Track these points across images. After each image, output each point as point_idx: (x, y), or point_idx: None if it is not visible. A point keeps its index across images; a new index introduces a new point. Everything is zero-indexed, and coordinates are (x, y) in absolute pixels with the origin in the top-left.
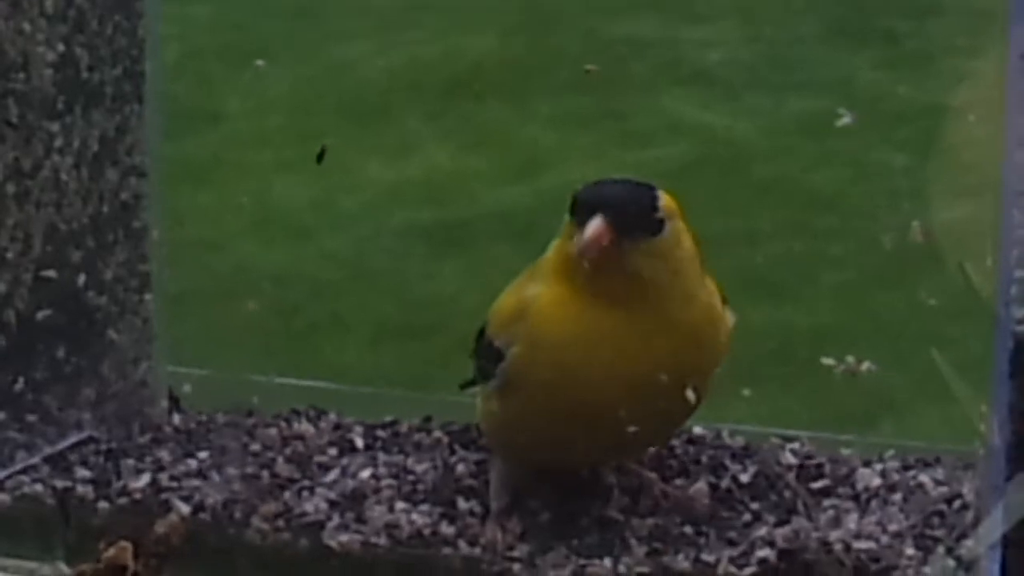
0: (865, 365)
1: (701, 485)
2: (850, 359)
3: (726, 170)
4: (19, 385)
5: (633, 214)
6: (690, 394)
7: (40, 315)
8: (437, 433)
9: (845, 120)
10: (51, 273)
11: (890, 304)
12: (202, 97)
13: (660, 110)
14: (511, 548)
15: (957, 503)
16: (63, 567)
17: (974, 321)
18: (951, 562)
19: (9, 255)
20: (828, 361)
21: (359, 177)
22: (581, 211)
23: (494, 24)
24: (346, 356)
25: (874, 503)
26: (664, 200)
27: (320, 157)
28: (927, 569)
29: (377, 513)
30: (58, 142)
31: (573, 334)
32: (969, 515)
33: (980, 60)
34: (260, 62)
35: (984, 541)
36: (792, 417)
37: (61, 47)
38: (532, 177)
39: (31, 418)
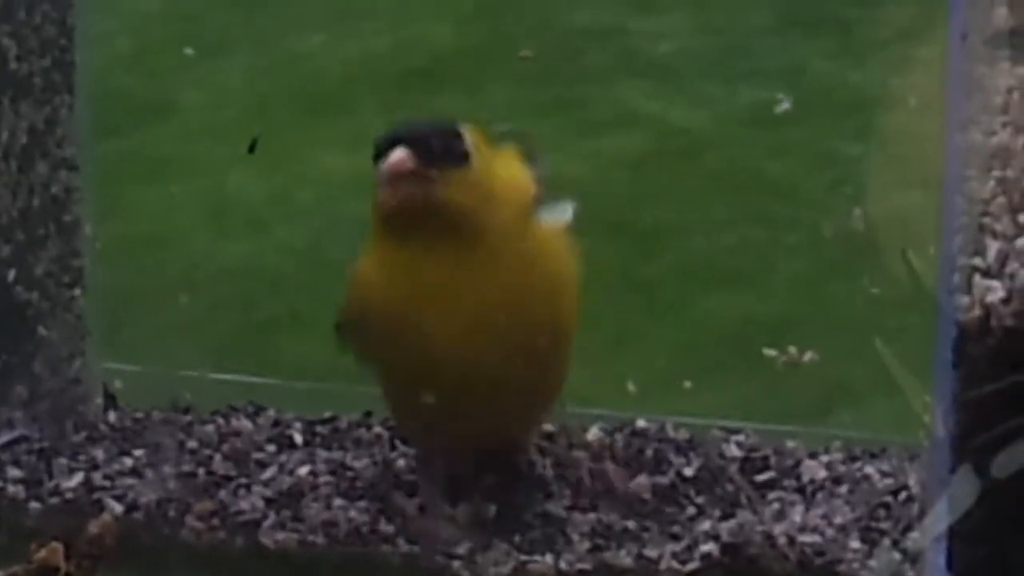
0: (808, 356)
1: (642, 479)
2: (792, 349)
3: (680, 160)
4: None
5: (437, 144)
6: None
7: None
8: (377, 428)
9: (784, 107)
10: None
11: (845, 293)
12: (154, 90)
13: (615, 100)
14: (450, 542)
15: (903, 495)
16: None
17: (921, 311)
18: (896, 555)
19: None
20: (770, 352)
21: (315, 169)
22: (383, 150)
23: (449, 14)
24: (305, 350)
25: (819, 495)
26: (470, 134)
27: (252, 148)
28: (872, 562)
29: (314, 511)
30: None
31: (392, 293)
32: (915, 507)
33: (926, 47)
34: (189, 51)
35: (929, 533)
36: (748, 407)
37: None
38: None
39: None
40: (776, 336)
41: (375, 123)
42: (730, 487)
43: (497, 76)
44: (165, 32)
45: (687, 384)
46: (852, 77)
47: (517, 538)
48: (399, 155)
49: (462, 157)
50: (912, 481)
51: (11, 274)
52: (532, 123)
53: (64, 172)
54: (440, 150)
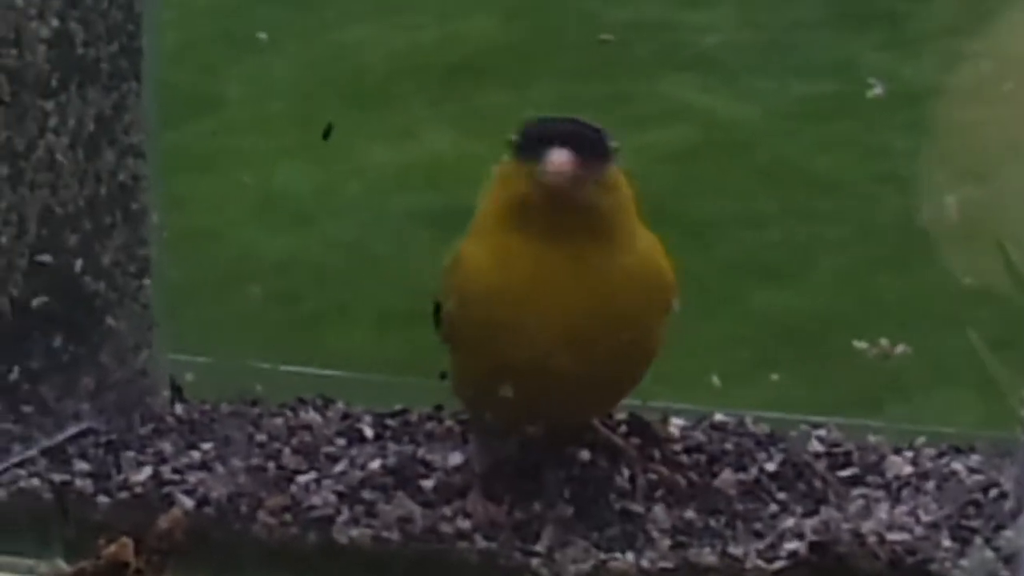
0: (900, 348)
1: (727, 475)
2: (884, 342)
3: (727, 154)
4: (14, 375)
5: (589, 142)
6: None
7: (36, 302)
8: (448, 422)
9: (876, 91)
10: (47, 258)
11: (892, 287)
12: (202, 83)
13: (661, 94)
14: (496, 524)
15: (994, 492)
16: (62, 564)
17: (979, 303)
18: (990, 554)
19: (3, 239)
20: (860, 344)
21: (361, 163)
22: (533, 146)
23: (495, 8)
24: (351, 343)
25: (906, 492)
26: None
27: (326, 135)
28: (965, 562)
29: (389, 507)
30: (53, 121)
31: (503, 284)
32: (1007, 504)
33: (975, 39)
34: (263, 35)
35: None
36: (800, 402)
37: (55, 22)
38: None
39: (27, 409)
40: (827, 330)
41: (421, 117)
42: (816, 483)
43: (543, 70)
44: (212, 26)
45: (715, 380)
46: (902, 70)
47: (595, 535)
48: (563, 156)
49: (608, 156)
50: (1003, 478)
51: (78, 264)
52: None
53: (131, 160)
54: (592, 148)
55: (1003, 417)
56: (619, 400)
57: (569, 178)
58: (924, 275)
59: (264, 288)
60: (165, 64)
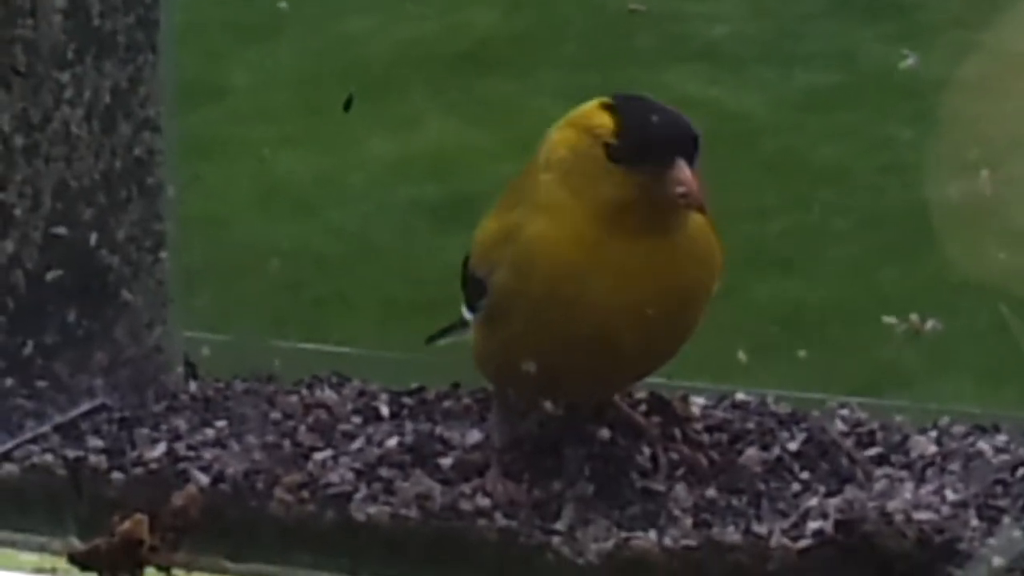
0: (930, 324)
1: (750, 454)
2: (914, 317)
3: (733, 145)
4: (28, 349)
5: (693, 146)
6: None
7: (50, 276)
8: (466, 400)
9: (910, 62)
10: (61, 230)
11: (896, 278)
12: (207, 71)
13: (666, 85)
14: (516, 503)
15: (1021, 471)
16: (75, 541)
17: (978, 294)
18: (1018, 532)
19: (17, 212)
20: (889, 320)
21: (364, 152)
22: (640, 153)
23: None
24: (352, 332)
25: (930, 472)
26: None
27: (347, 106)
28: (993, 540)
29: (407, 484)
30: (68, 93)
31: (571, 256)
32: None
33: (988, 32)
34: (283, 3)
35: None
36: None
37: None
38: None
39: (40, 384)
40: (832, 319)
41: (424, 107)
42: (843, 460)
43: (545, 60)
44: (217, 14)
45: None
46: (907, 62)
47: (616, 514)
48: (687, 173)
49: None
50: None
51: (93, 238)
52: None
53: (147, 134)
54: (695, 151)
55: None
56: (646, 375)
57: (695, 194)
58: (929, 265)
59: (266, 275)
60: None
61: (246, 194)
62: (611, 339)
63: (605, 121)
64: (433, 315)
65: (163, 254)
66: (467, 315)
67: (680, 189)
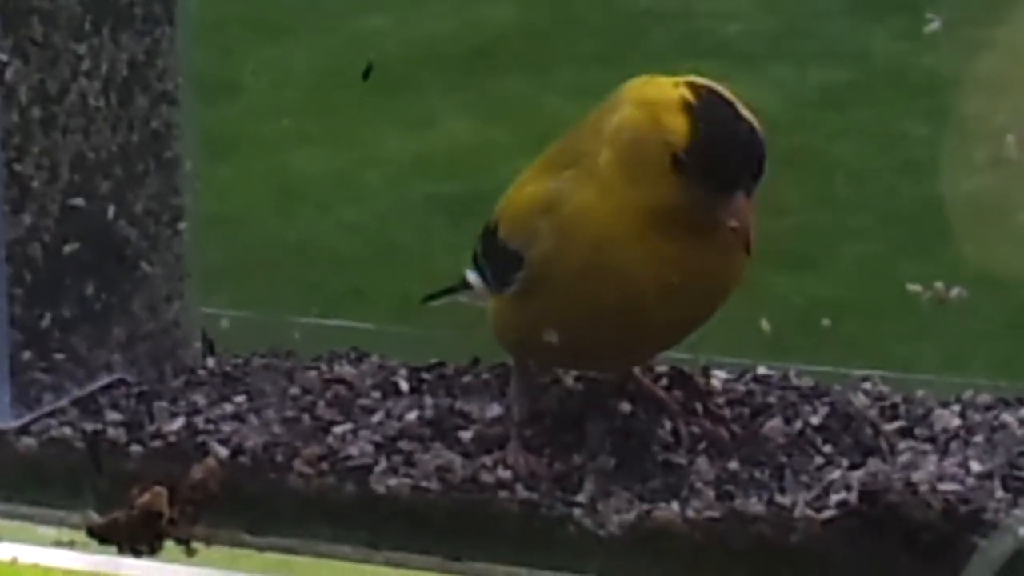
0: (955, 291)
1: (775, 423)
2: (939, 285)
3: None
4: (45, 323)
5: (759, 170)
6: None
7: (67, 249)
8: (485, 375)
9: (934, 26)
10: (79, 202)
11: (912, 273)
12: (222, 69)
13: None
14: (537, 476)
15: None
16: (93, 515)
17: (998, 292)
18: None
19: (35, 184)
20: (914, 288)
21: (380, 150)
22: (707, 174)
23: None
24: None
25: (954, 445)
26: None
27: (366, 74)
28: (1018, 511)
29: (428, 456)
30: (85, 65)
31: (614, 231)
32: None
33: (1000, 30)
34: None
35: None
36: None
37: None
38: None
39: (58, 358)
40: (848, 315)
41: (439, 104)
42: (867, 431)
43: (560, 57)
44: (232, 11)
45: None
46: (922, 59)
47: (638, 487)
48: (743, 203)
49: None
50: None
51: (111, 211)
52: (595, 105)
53: (164, 107)
54: (761, 174)
55: None
56: (669, 348)
57: (744, 230)
58: (945, 260)
59: (282, 273)
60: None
61: (262, 192)
62: (646, 312)
63: (680, 127)
64: (450, 313)
65: (181, 227)
66: (471, 279)
67: (732, 223)
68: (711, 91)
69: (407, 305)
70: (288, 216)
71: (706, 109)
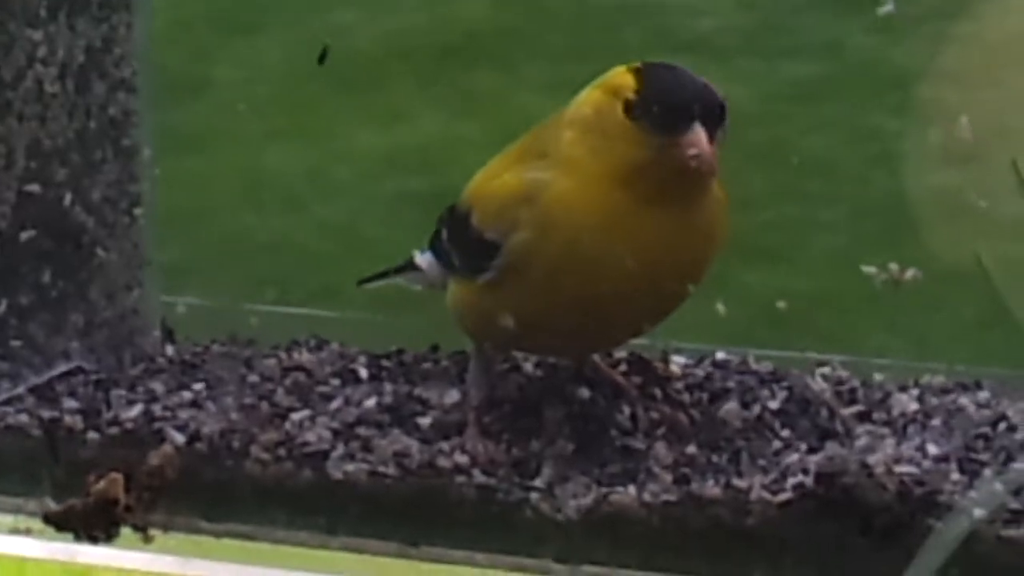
0: (910, 273)
1: (733, 407)
2: (893, 266)
3: None
4: (1, 310)
5: (717, 113)
6: (691, 288)
7: (24, 236)
8: (445, 362)
9: (888, 8)
10: (35, 188)
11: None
12: (192, 65)
13: None
14: (495, 462)
15: (1003, 426)
16: (50, 503)
17: (967, 286)
18: (999, 485)
19: None
20: (869, 269)
21: (350, 146)
22: (659, 114)
23: None
24: None
25: (912, 429)
26: None
27: (322, 58)
28: (974, 493)
29: (385, 442)
30: (41, 52)
31: (593, 220)
32: (1017, 437)
33: (964, 22)
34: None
35: None
36: None
37: None
38: None
39: (15, 345)
40: (820, 309)
41: (411, 100)
42: (823, 413)
43: (532, 53)
44: (201, 7)
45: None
46: (892, 53)
47: (596, 472)
48: (701, 138)
49: (725, 121)
50: (1012, 412)
51: (67, 198)
52: (567, 101)
53: (122, 94)
54: (719, 119)
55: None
56: (640, 335)
57: (708, 161)
58: (915, 255)
59: (253, 270)
60: (155, 46)
61: (231, 188)
62: (623, 301)
63: (629, 81)
64: (422, 309)
65: (138, 215)
66: (422, 261)
67: (692, 151)
68: (659, 62)
69: (379, 302)
70: (258, 212)
71: (653, 66)
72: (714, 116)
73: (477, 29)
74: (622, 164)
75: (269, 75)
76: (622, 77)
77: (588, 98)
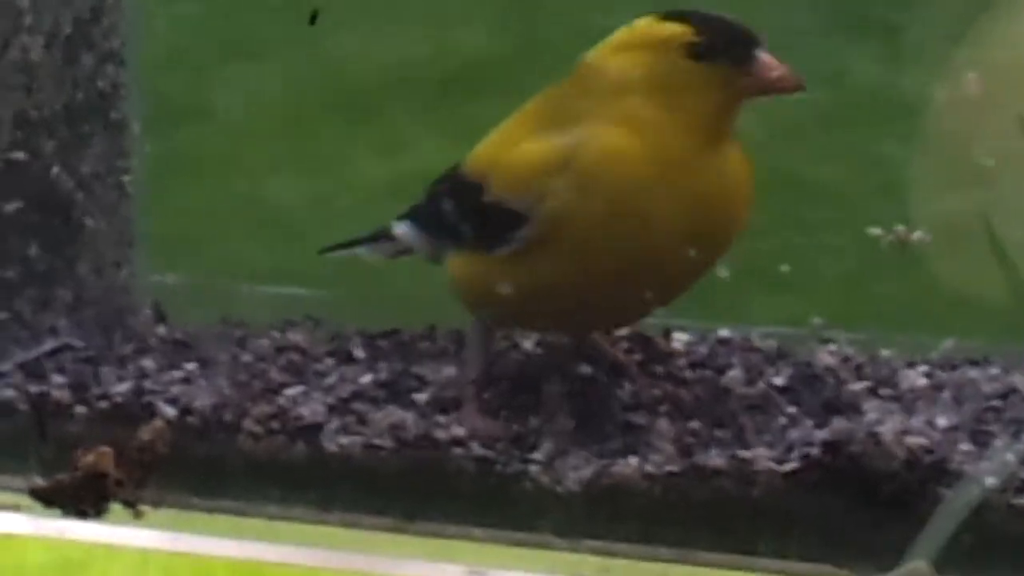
0: (917, 234)
1: (735, 386)
2: (900, 227)
3: None
4: None
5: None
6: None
7: (10, 208)
8: (441, 341)
9: None
10: (20, 156)
11: (889, 295)
12: (192, 92)
13: None
14: (494, 436)
15: (1013, 398)
16: (37, 479)
17: (978, 310)
18: (1010, 455)
19: None
20: (875, 231)
21: (352, 174)
22: (724, 49)
23: (484, 20)
24: None
25: (920, 403)
26: None
27: (313, 19)
28: (984, 463)
29: (380, 415)
30: (27, 20)
31: (639, 175)
32: None
33: (972, 49)
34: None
35: None
36: None
37: None
38: None
39: (1, 318)
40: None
41: (412, 129)
42: (833, 391)
43: (532, 82)
44: (203, 35)
45: None
46: (898, 80)
47: (597, 447)
48: (771, 57)
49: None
50: (1022, 384)
51: (55, 171)
52: None
53: (111, 67)
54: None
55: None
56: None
57: (793, 75)
58: (923, 281)
59: (252, 299)
60: (155, 72)
61: (231, 216)
62: (658, 264)
63: (675, 29)
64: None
65: (128, 190)
66: (402, 232)
67: (775, 73)
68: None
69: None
70: (258, 240)
71: (684, 13)
72: (759, 39)
73: (477, 59)
74: (705, 107)
75: (271, 105)
76: (660, 28)
77: (632, 62)
